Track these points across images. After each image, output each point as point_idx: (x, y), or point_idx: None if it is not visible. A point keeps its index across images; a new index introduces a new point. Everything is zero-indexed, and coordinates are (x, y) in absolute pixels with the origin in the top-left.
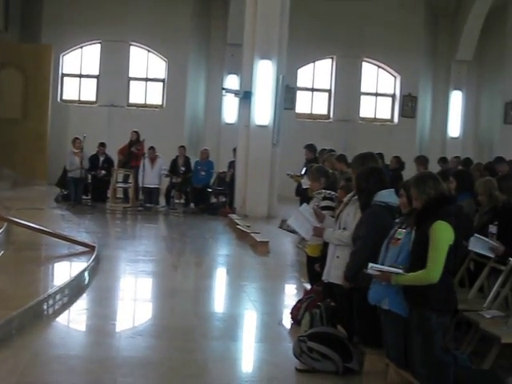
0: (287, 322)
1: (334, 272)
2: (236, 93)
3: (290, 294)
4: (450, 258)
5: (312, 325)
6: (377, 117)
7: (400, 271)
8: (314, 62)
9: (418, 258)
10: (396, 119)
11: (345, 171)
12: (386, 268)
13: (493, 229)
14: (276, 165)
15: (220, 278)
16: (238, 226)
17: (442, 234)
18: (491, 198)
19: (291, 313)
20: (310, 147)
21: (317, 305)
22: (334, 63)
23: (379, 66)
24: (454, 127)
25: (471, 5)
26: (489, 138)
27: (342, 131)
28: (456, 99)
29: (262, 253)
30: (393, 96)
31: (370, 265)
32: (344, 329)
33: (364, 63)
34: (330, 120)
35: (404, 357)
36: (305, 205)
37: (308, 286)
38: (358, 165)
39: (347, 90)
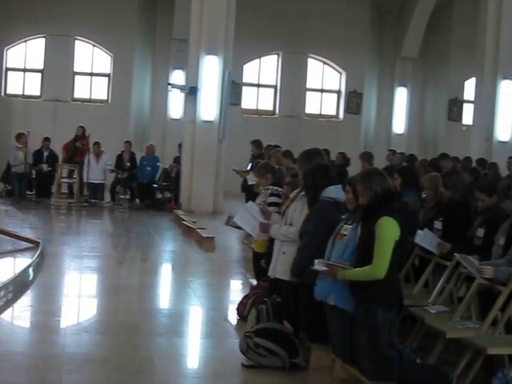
0: (233, 317)
1: (280, 268)
2: (182, 88)
3: (236, 290)
4: (396, 254)
5: (258, 321)
6: (322, 113)
7: (346, 266)
8: (259, 57)
9: (363, 253)
10: (341, 115)
11: (291, 167)
12: (332, 263)
13: (438, 225)
14: (222, 160)
15: (165, 274)
16: (184, 222)
17: (388, 230)
18: (436, 194)
19: (237, 309)
20: (256, 143)
21: (263, 300)
22: (280, 59)
23: (325, 63)
24: (399, 124)
25: (416, 2)
26: (433, 134)
27: (287, 127)
28: (401, 96)
29: (208, 248)
30: (338, 92)
31: (317, 260)
32: (290, 324)
33: (310, 59)
34: (276, 116)
35: (350, 352)
36: (251, 202)
37: (254, 282)
38: (304, 161)
39: (293, 86)
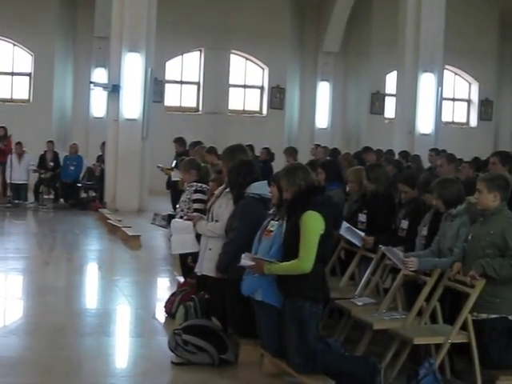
0: (161, 315)
1: (206, 264)
2: (104, 86)
3: (164, 288)
4: (322, 247)
5: (186, 318)
6: (246, 109)
7: (273, 260)
8: (182, 54)
9: (290, 248)
10: (265, 111)
11: (215, 163)
12: (259, 257)
13: (362, 217)
14: (146, 158)
15: (92, 274)
16: (109, 221)
17: (313, 224)
18: (360, 187)
19: (165, 306)
20: (180, 140)
21: (191, 298)
22: (203, 55)
23: (247, 58)
24: (322, 118)
25: None
26: (356, 128)
27: (211, 124)
28: (324, 90)
29: (134, 247)
30: (261, 88)
31: (244, 254)
32: (219, 321)
33: (232, 55)
34: (200, 112)
35: (278, 346)
36: (173, 222)
37: (181, 279)
38: (228, 157)
39: (216, 82)
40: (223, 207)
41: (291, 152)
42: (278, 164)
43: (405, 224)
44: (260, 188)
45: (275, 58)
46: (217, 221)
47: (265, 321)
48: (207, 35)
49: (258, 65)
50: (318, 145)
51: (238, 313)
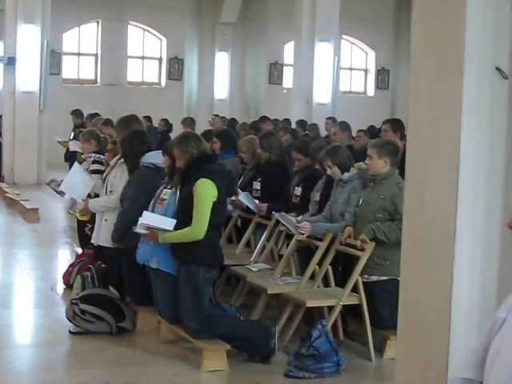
0: (60, 286)
1: (102, 235)
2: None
3: (63, 260)
4: (215, 214)
5: (84, 287)
6: (144, 80)
7: (167, 228)
8: (79, 26)
9: (183, 215)
10: (163, 82)
11: (112, 135)
12: (154, 225)
13: (257, 185)
14: (44, 131)
15: None
16: (7, 194)
17: (205, 191)
18: (255, 156)
19: (63, 277)
20: (77, 112)
21: (88, 268)
22: (100, 27)
23: (145, 30)
24: (221, 88)
25: None
26: (255, 98)
27: (110, 95)
28: (222, 61)
29: (33, 220)
30: (159, 59)
31: (139, 223)
32: (116, 290)
33: (130, 26)
34: (98, 85)
35: (175, 313)
36: (76, 164)
37: (80, 251)
38: (121, 128)
39: (114, 54)
40: (118, 178)
41: (189, 122)
42: (177, 134)
43: (298, 191)
44: (154, 157)
45: (173, 29)
46: (111, 191)
47: (160, 288)
48: (104, 6)
49: (155, 36)
50: (217, 115)
51: (134, 281)
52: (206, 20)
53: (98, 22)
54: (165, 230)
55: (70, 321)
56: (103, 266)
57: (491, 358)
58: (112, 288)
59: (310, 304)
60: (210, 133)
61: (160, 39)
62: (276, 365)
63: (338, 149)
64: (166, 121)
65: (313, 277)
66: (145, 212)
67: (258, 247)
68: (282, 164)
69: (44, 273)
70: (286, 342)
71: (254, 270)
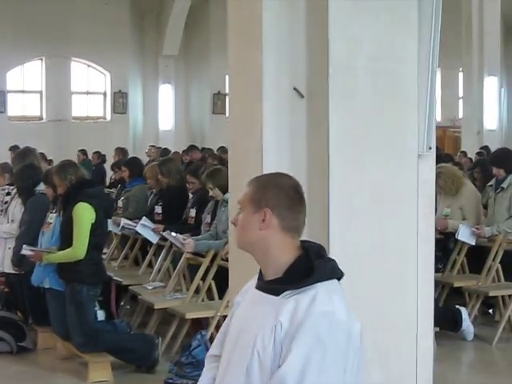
0: None
1: (6, 262)
2: None
3: None
4: (94, 235)
5: None
6: (89, 115)
7: (51, 250)
8: (23, 64)
9: (65, 237)
10: (108, 116)
11: None
12: (37, 248)
13: (158, 209)
14: None
15: None
16: None
17: (83, 214)
18: (158, 182)
19: None
20: (14, 148)
21: None
22: (44, 64)
23: (89, 65)
24: (166, 120)
25: (173, 1)
26: (200, 128)
27: (56, 131)
28: (166, 93)
29: None
30: (104, 93)
31: (24, 246)
32: (21, 313)
33: (73, 62)
34: (44, 121)
35: (67, 330)
36: None
37: None
38: (17, 161)
39: (58, 90)
40: (18, 208)
41: (119, 152)
42: None
43: (193, 212)
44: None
45: (116, 64)
46: (13, 221)
47: (53, 306)
48: (47, 44)
49: (99, 71)
50: (153, 145)
51: (34, 303)
52: (149, 53)
53: (41, 60)
54: (49, 252)
55: None
56: (6, 289)
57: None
58: (19, 312)
59: (189, 316)
60: (119, 162)
61: (104, 74)
62: (160, 374)
63: (218, 171)
64: (98, 153)
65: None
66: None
67: (155, 267)
68: (180, 188)
69: None
70: (173, 353)
71: (149, 288)
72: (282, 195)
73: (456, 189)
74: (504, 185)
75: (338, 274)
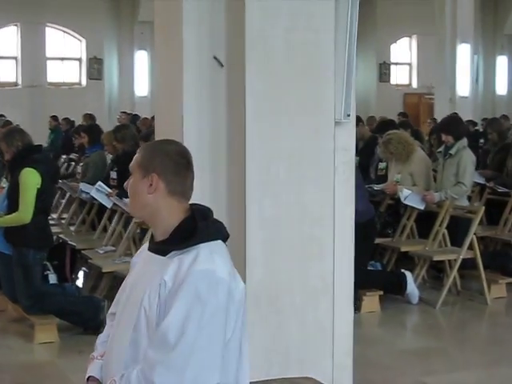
0: None
1: None
2: None
3: None
4: (40, 200)
5: None
6: (65, 81)
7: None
8: None
9: (13, 202)
10: (84, 82)
11: None
12: None
13: (113, 174)
14: None
15: None
16: None
17: (29, 179)
18: (114, 148)
19: None
20: None
21: None
22: (19, 30)
23: (64, 31)
24: (142, 86)
25: None
26: None
27: (31, 97)
28: (141, 59)
29: None
30: (79, 60)
31: None
32: None
33: (48, 28)
34: (19, 87)
35: (14, 292)
36: None
37: None
38: None
39: (33, 56)
40: None
41: (87, 118)
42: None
43: None
44: None
45: (92, 30)
46: None
47: (1, 269)
48: (23, 10)
49: (75, 37)
50: (124, 112)
51: None
52: (125, 19)
53: (16, 25)
54: None
55: None
56: None
57: None
58: None
59: None
60: (78, 128)
61: (79, 40)
62: None
63: None
64: (67, 119)
65: None
66: None
67: (108, 231)
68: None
69: None
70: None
71: (101, 252)
72: (168, 160)
73: (406, 155)
74: (452, 151)
75: (222, 235)
